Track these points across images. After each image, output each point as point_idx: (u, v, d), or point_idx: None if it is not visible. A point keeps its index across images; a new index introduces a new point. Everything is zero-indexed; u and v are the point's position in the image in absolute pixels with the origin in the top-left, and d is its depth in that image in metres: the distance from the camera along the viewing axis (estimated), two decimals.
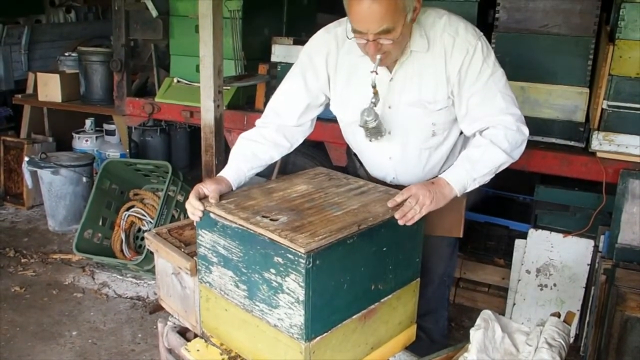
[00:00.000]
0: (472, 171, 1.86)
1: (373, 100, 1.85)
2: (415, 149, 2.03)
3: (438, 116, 1.95)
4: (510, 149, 1.88)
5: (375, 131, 1.91)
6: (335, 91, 2.04)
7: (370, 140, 1.97)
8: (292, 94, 2.08)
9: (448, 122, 1.98)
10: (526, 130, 1.92)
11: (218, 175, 1.97)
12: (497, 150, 1.85)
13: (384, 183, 2.07)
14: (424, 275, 2.10)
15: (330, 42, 2.00)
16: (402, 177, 2.12)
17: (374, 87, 1.83)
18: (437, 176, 1.89)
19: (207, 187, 1.81)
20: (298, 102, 2.07)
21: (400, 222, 1.70)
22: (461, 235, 2.16)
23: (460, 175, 1.85)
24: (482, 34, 1.90)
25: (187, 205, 1.79)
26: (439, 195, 1.80)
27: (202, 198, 1.78)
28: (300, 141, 2.15)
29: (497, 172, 1.92)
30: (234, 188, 1.91)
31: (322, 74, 2.03)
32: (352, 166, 2.37)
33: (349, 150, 2.34)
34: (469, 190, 1.89)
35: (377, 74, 1.81)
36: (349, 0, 1.73)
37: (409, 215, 1.72)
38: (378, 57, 1.77)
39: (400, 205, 1.74)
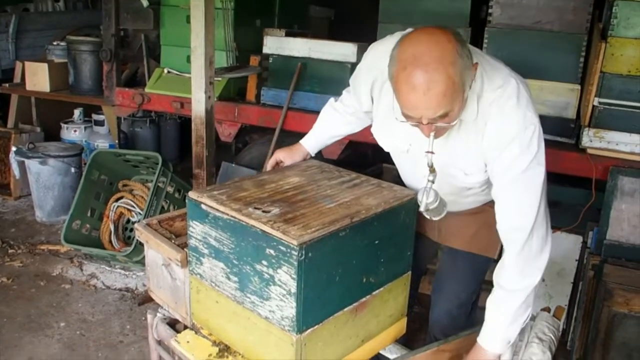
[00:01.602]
0: (507, 328, 1.72)
1: (430, 178, 1.63)
2: (451, 195, 1.89)
3: (471, 182, 1.80)
4: (528, 275, 1.69)
5: (435, 211, 1.77)
6: (377, 118, 1.91)
7: (429, 217, 1.85)
8: (349, 97, 2.07)
9: (483, 182, 1.81)
10: (537, 245, 1.69)
11: (300, 142, 2.17)
12: (518, 297, 1.69)
13: None
14: (451, 288, 2.13)
15: (381, 66, 1.68)
16: None
17: (430, 166, 1.62)
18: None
19: (281, 157, 2.10)
20: (353, 105, 2.05)
21: None
22: (495, 257, 2.04)
23: (497, 338, 1.73)
24: (536, 120, 1.64)
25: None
26: None
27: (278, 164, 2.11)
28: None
29: (530, 303, 1.75)
30: (312, 155, 2.16)
31: (364, 97, 1.91)
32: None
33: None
34: (514, 340, 1.75)
35: (433, 153, 1.59)
36: (398, 84, 1.50)
37: None
38: (432, 134, 1.57)
39: None
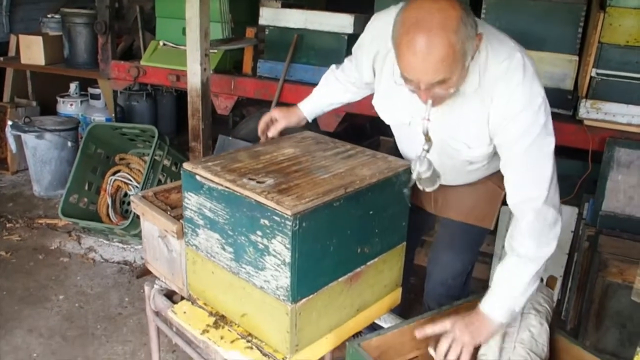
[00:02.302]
0: (515, 298, 1.67)
1: (425, 147, 1.65)
2: (453, 171, 1.91)
3: (475, 156, 1.79)
4: (540, 256, 1.67)
5: (428, 181, 1.78)
6: (379, 91, 1.90)
7: (422, 189, 1.84)
8: (350, 67, 2.06)
9: (487, 156, 1.80)
10: (552, 215, 1.68)
11: (298, 105, 2.18)
12: (531, 267, 1.67)
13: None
14: (447, 259, 2.13)
15: (384, 37, 1.67)
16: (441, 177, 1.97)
17: (425, 134, 1.63)
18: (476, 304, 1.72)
19: (276, 115, 2.11)
20: (354, 75, 2.05)
21: None
22: (492, 227, 2.07)
23: (503, 306, 1.67)
24: (542, 92, 1.63)
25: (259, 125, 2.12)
26: (483, 334, 1.66)
27: (271, 124, 2.12)
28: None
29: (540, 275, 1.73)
30: (309, 120, 2.17)
31: (366, 69, 1.90)
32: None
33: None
34: (518, 311, 1.70)
35: (429, 120, 1.59)
36: (400, 48, 1.49)
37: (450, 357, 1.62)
38: (429, 102, 1.57)
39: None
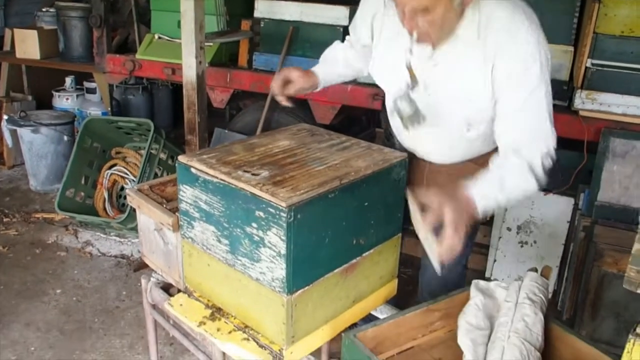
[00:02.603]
0: (505, 199, 1.69)
1: (409, 83, 1.69)
2: (448, 139, 1.91)
3: (474, 113, 1.79)
4: (542, 177, 1.70)
5: (410, 120, 1.75)
6: (376, 54, 1.92)
7: (406, 128, 1.82)
8: (347, 45, 2.10)
9: (485, 119, 1.80)
10: (554, 154, 1.72)
11: (312, 69, 2.05)
12: (531, 177, 1.68)
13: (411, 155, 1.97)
14: None
15: (379, 1, 1.82)
16: (434, 155, 2.01)
17: (409, 68, 1.68)
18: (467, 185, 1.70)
19: (293, 75, 1.94)
20: (353, 57, 2.08)
21: (447, 260, 1.59)
22: (487, 218, 2.08)
23: (492, 201, 1.67)
24: (543, 38, 1.66)
25: (272, 84, 1.95)
26: (469, 219, 1.63)
27: (286, 84, 1.95)
28: None
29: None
30: (319, 87, 2.05)
31: (364, 30, 1.94)
32: (387, 134, 2.22)
33: (385, 115, 2.25)
34: (487, 214, 1.72)
35: (411, 53, 1.65)
36: None
37: (456, 250, 1.58)
38: (414, 34, 1.60)
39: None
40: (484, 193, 1.66)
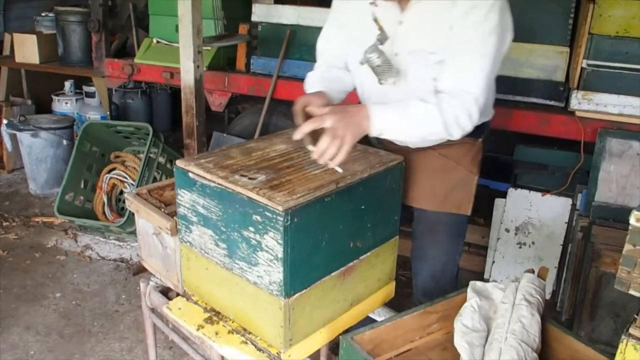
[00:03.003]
0: (400, 121, 1.70)
1: (379, 37, 1.72)
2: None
3: (438, 70, 1.78)
4: (450, 125, 1.71)
5: (382, 70, 1.77)
6: (348, 32, 1.94)
7: (381, 83, 1.81)
8: (333, 42, 2.05)
9: None
10: (476, 115, 1.73)
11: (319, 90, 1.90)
12: (438, 117, 1.69)
13: (391, 144, 1.99)
14: (432, 252, 2.11)
15: None
16: None
17: (375, 20, 1.71)
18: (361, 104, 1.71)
19: (310, 99, 1.75)
20: (342, 47, 2.02)
21: (321, 161, 1.58)
22: (469, 213, 2.07)
23: (386, 118, 1.68)
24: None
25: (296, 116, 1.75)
26: (357, 129, 1.62)
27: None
28: None
29: (426, 139, 1.80)
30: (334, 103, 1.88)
31: (342, 12, 1.96)
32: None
33: None
34: (384, 136, 1.73)
35: (376, 5, 1.71)
36: None
37: (328, 154, 1.56)
38: None
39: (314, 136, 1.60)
40: (385, 112, 1.68)
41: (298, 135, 1.61)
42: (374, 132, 1.68)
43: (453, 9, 1.71)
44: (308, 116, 1.71)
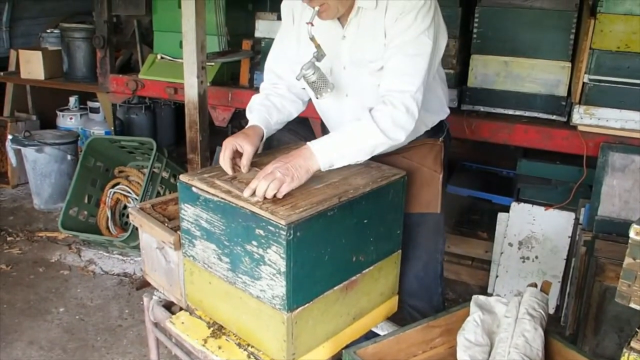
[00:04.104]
0: (343, 147, 1.74)
1: (315, 54, 1.79)
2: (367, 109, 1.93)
3: (379, 77, 1.86)
4: (389, 130, 1.75)
5: (318, 85, 1.82)
6: (299, 48, 1.98)
7: (317, 97, 1.88)
8: (284, 57, 2.08)
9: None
10: (415, 111, 1.78)
11: (249, 126, 1.94)
12: (374, 129, 1.74)
13: None
14: (412, 252, 2.12)
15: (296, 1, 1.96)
16: None
17: (311, 39, 1.77)
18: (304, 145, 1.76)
19: (240, 144, 1.81)
20: (292, 65, 2.03)
21: (253, 200, 1.59)
22: (439, 211, 2.11)
23: (329, 149, 1.73)
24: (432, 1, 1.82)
25: (221, 163, 1.80)
26: (301, 171, 1.67)
27: (235, 154, 1.82)
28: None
29: (375, 153, 1.80)
30: (264, 139, 1.95)
31: (293, 32, 2.01)
32: None
33: (323, 125, 2.30)
34: (335, 167, 1.76)
35: (312, 25, 1.76)
36: None
37: (260, 190, 1.59)
38: (316, 8, 1.75)
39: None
40: (326, 145, 1.74)
41: (247, 193, 1.62)
42: (324, 167, 1.73)
43: (385, 17, 1.81)
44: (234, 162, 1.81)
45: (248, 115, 2.01)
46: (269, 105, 2.03)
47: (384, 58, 1.83)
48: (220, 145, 1.85)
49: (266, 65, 2.15)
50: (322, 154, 1.71)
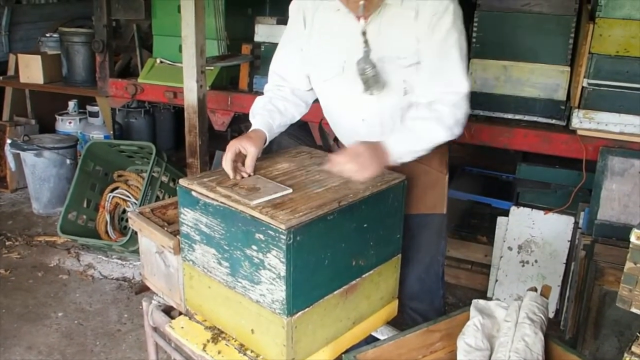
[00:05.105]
0: (415, 144, 1.86)
1: (365, 49, 1.81)
2: (389, 108, 1.97)
3: (408, 73, 1.90)
4: (453, 126, 1.88)
5: (374, 81, 1.85)
6: (310, 49, 1.99)
7: (371, 94, 1.90)
8: (290, 59, 2.07)
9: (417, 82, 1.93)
10: (469, 109, 1.92)
11: (252, 130, 1.95)
12: (441, 128, 1.86)
13: None
14: (414, 255, 2.12)
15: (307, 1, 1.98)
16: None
17: (364, 34, 1.80)
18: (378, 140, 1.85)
19: (244, 146, 1.83)
20: (298, 67, 2.05)
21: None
22: (444, 212, 2.14)
23: (403, 146, 1.84)
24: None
25: (224, 165, 1.81)
26: (376, 165, 1.77)
27: (237, 157, 1.83)
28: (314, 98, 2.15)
29: (434, 147, 1.91)
30: (267, 143, 1.95)
31: (302, 34, 2.00)
32: (326, 144, 2.31)
33: (321, 129, 2.30)
34: (401, 161, 1.86)
35: (365, 20, 1.79)
36: None
37: (346, 168, 1.74)
38: (361, 2, 1.75)
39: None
40: (398, 142, 1.84)
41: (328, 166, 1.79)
42: (393, 162, 1.83)
43: (417, 20, 1.83)
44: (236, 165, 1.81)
45: (251, 119, 2.01)
46: (271, 109, 2.02)
47: (422, 57, 1.86)
48: (221, 149, 1.85)
49: (271, 67, 2.14)
50: (395, 150, 1.82)
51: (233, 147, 1.82)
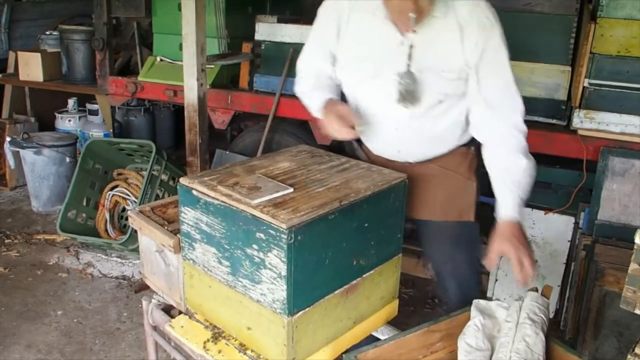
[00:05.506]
0: (525, 195, 1.94)
1: (408, 62, 1.82)
2: (422, 117, 1.94)
3: (449, 86, 1.88)
4: (529, 158, 1.95)
5: (411, 96, 1.85)
6: (344, 51, 1.97)
7: (405, 106, 1.89)
8: (319, 57, 2.06)
9: (458, 93, 1.90)
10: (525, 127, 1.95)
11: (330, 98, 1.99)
12: (529, 165, 1.94)
13: (383, 160, 2.03)
14: (453, 268, 2.13)
15: (342, 3, 1.94)
16: (405, 150, 2.04)
17: (410, 47, 1.81)
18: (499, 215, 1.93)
19: (339, 109, 1.88)
20: (328, 65, 2.04)
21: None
22: (472, 219, 2.09)
23: (520, 207, 1.93)
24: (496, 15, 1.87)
25: (335, 128, 1.86)
26: (525, 238, 1.93)
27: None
28: None
29: None
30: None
31: (334, 37, 1.98)
32: (350, 147, 2.23)
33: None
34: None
35: (415, 31, 1.79)
36: None
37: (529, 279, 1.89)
38: (413, 16, 1.72)
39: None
40: (517, 205, 1.92)
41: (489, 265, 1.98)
42: (523, 219, 1.96)
43: (463, 40, 1.81)
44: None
45: (307, 101, 2.07)
46: (321, 86, 2.05)
47: (471, 78, 1.86)
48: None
49: (302, 65, 2.13)
50: (521, 215, 1.94)
51: (331, 114, 1.88)
